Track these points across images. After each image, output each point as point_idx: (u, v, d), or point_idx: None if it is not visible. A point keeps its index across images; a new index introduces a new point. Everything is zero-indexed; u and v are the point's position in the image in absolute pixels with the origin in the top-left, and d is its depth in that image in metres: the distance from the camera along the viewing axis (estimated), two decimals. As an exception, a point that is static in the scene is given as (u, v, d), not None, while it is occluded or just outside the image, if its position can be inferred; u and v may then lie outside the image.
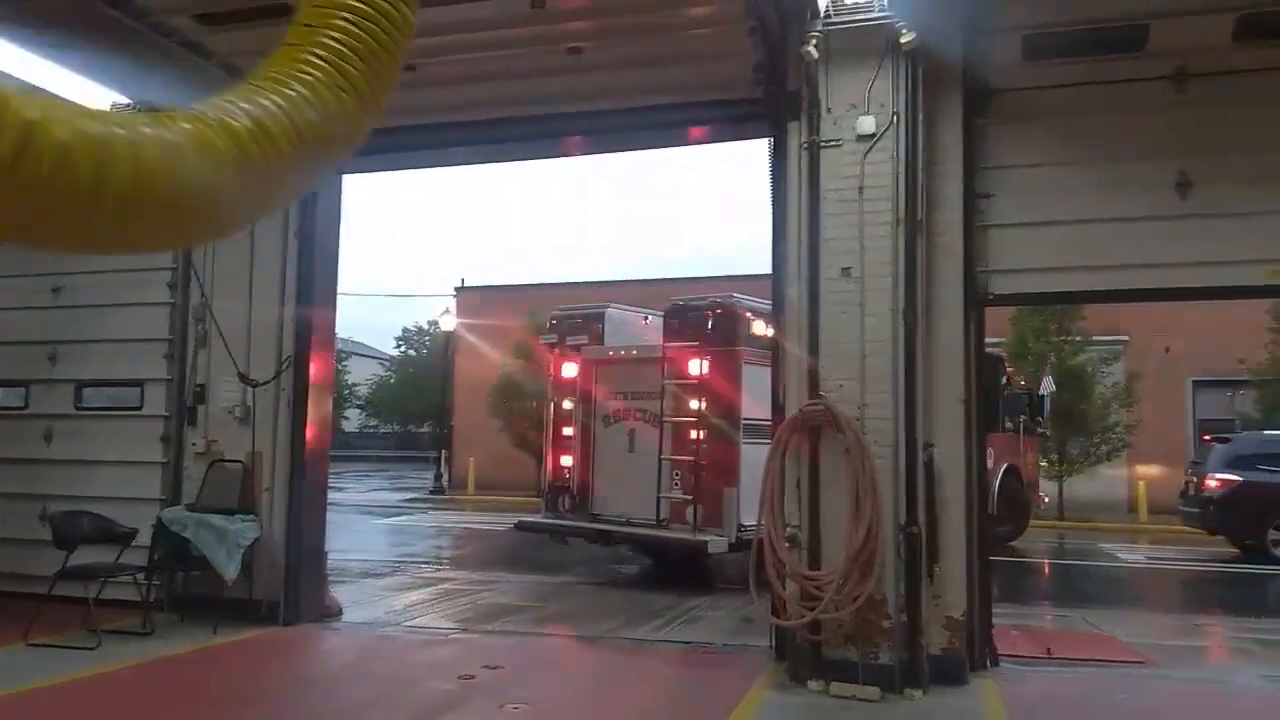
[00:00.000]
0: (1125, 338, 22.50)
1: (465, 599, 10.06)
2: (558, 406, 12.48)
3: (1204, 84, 6.90)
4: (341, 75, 2.92)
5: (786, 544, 6.69)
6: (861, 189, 6.80)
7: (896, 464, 6.60)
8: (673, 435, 11.20)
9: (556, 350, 12.70)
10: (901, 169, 6.73)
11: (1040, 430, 18.65)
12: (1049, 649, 7.69)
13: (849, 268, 6.80)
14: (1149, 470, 21.55)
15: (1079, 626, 9.26)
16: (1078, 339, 20.82)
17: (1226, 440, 16.53)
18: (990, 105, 7.24)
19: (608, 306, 12.80)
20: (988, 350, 18.42)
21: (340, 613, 8.80)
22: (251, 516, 8.23)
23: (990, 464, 15.61)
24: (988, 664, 7.06)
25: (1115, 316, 21.38)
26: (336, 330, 9.59)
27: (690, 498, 10.86)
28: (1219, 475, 15.37)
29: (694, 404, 11.04)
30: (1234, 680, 7.26)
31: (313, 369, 8.63)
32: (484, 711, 5.79)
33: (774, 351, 7.49)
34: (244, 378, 8.53)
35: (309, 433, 8.56)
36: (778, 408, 7.23)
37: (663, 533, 11.06)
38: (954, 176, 7.00)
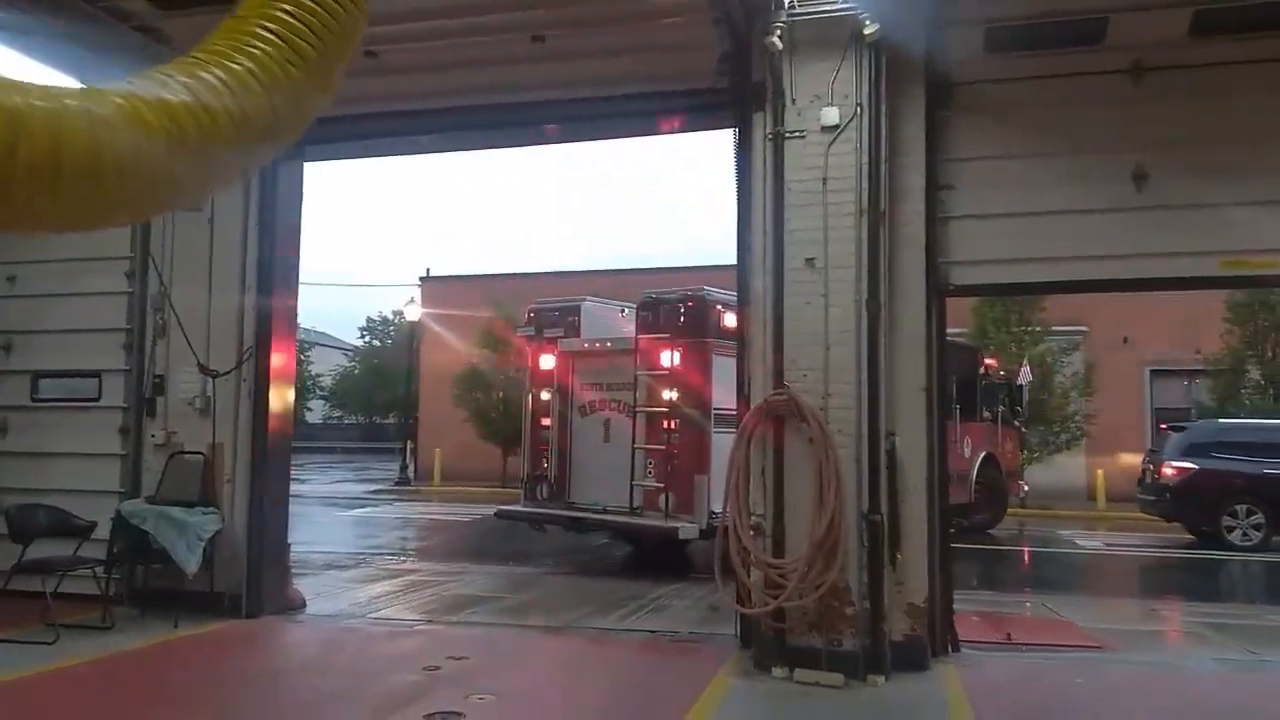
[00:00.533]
0: (1084, 328, 22.87)
1: (430, 590, 10.02)
2: (536, 397, 12.73)
3: (1160, 78, 7.01)
4: (293, 50, 2.84)
5: (751, 532, 6.74)
6: (825, 180, 6.83)
7: (859, 453, 6.66)
8: (646, 425, 11.48)
9: (534, 342, 12.91)
10: (865, 160, 6.78)
11: (1019, 420, 19.02)
12: (1009, 634, 7.82)
13: (813, 258, 6.84)
14: (1107, 459, 21.92)
15: (1039, 612, 9.42)
16: (1038, 329, 21.15)
17: (1183, 429, 16.86)
18: (952, 97, 7.31)
19: (584, 299, 13.03)
20: (965, 342, 18.86)
21: (304, 605, 8.73)
22: (212, 509, 8.14)
23: (968, 453, 16.35)
24: (949, 650, 7.16)
25: (1075, 307, 21.69)
26: (299, 320, 9.50)
27: (662, 485, 11.11)
28: (1175, 463, 15.68)
29: (666, 394, 11.25)
30: (1188, 664, 7.42)
31: (274, 359, 8.54)
32: (449, 702, 5.78)
33: (740, 342, 7.52)
34: (204, 368, 8.43)
35: (271, 424, 8.47)
36: (743, 398, 7.27)
37: (636, 520, 11.36)
38: (916, 168, 7.07)
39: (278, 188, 8.63)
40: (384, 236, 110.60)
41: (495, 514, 13.62)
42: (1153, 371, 23.76)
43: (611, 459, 11.65)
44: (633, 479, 11.36)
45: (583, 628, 8.26)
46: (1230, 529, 15.00)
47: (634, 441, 11.42)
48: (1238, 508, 15.02)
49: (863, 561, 6.60)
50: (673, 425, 11.19)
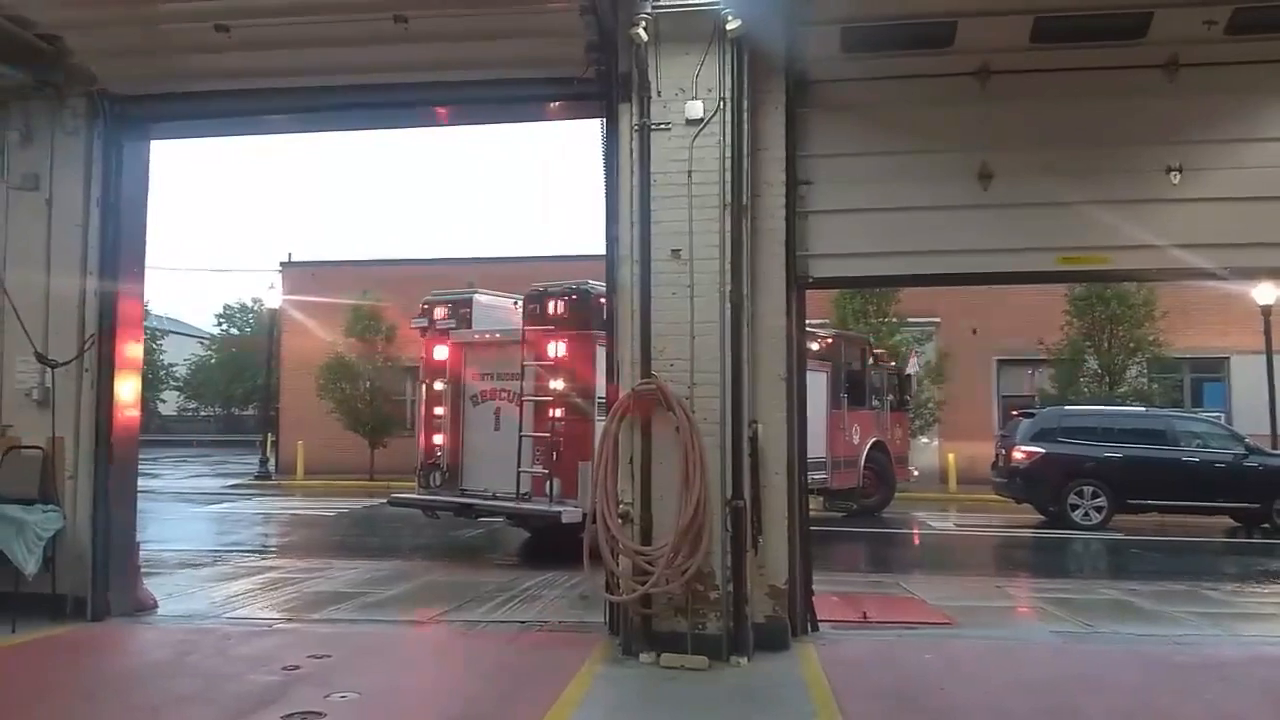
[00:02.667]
0: (937, 319, 23.98)
1: (291, 588, 9.73)
2: (429, 388, 13.03)
3: (1005, 81, 7.41)
4: None
5: (619, 521, 6.81)
6: (690, 173, 6.94)
7: (724, 441, 6.82)
8: (533, 413, 11.77)
9: (427, 334, 13.19)
10: (728, 154, 6.91)
11: (908, 407, 19.92)
12: (865, 613, 8.17)
13: (679, 250, 6.94)
14: (959, 443, 23.05)
15: (893, 591, 9.84)
16: (894, 320, 22.03)
17: (1031, 415, 17.81)
18: (811, 95, 7.54)
19: (475, 292, 13.31)
20: (854, 334, 19.60)
21: (155, 606, 8.36)
22: (53, 507, 7.69)
23: (857, 440, 17.26)
24: (808, 629, 7.43)
25: (928, 299, 22.75)
26: (149, 307, 9.04)
27: (548, 472, 11.44)
28: (1024, 448, 16.55)
29: (552, 384, 11.54)
30: (1028, 637, 7.90)
31: (120, 347, 8.12)
32: (309, 702, 5.63)
33: (609, 332, 7.56)
34: (41, 357, 7.92)
35: (116, 416, 8.06)
36: (612, 387, 7.33)
37: (523, 505, 11.70)
38: (777, 163, 7.25)
39: (122, 166, 8.22)
40: (245, 221, 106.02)
41: (389, 501, 13.93)
42: (1000, 361, 25.08)
43: (501, 447, 11.94)
44: (519, 465, 11.63)
45: (450, 621, 8.18)
46: (1075, 509, 15.91)
47: (521, 430, 11.70)
48: (1082, 489, 15.93)
49: (726, 546, 6.76)
50: (558, 414, 11.48)
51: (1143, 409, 18.61)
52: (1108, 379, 21.51)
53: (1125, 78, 7.36)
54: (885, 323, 21.65)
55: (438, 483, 12.63)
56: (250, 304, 48.86)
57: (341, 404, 24.78)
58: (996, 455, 17.96)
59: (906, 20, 7.30)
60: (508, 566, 11.45)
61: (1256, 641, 7.84)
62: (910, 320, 22.49)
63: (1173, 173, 7.32)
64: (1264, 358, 21.32)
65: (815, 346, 16.88)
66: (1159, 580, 10.75)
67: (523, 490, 11.63)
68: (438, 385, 12.91)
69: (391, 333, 25.11)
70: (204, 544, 13.92)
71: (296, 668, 6.39)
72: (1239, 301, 21.23)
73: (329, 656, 6.70)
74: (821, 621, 7.63)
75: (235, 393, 49.31)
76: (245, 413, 49.75)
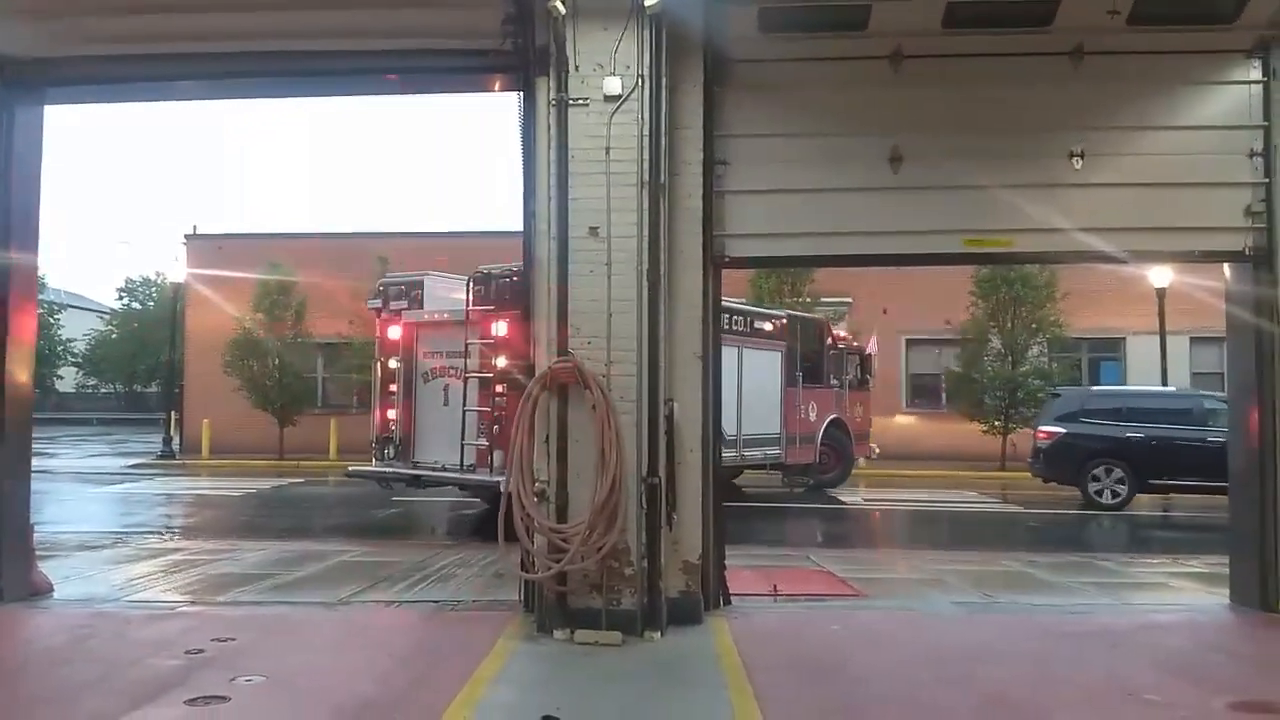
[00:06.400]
0: (849, 299, 24.46)
1: (196, 570, 9.46)
2: (384, 365, 13.74)
3: (917, 66, 7.56)
4: None
5: (535, 499, 6.80)
6: (608, 150, 6.90)
7: (640, 419, 6.84)
8: (476, 390, 12.29)
9: (382, 314, 13.90)
10: (646, 132, 6.89)
11: (868, 386, 20.38)
12: (776, 586, 8.33)
13: (596, 227, 6.91)
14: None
15: (804, 564, 10.05)
16: (809, 300, 22.38)
17: (1057, 395, 17.91)
18: (729, 74, 7.57)
19: (427, 274, 13.94)
20: (813, 316, 20.03)
21: (51, 590, 8.04)
22: (-64, 489, 7.32)
23: (814, 417, 17.95)
24: (721, 603, 7.55)
25: (842, 279, 23.13)
26: (44, 279, 8.65)
27: (489, 445, 11.93)
28: (1047, 427, 16.65)
29: (495, 362, 11.96)
30: (932, 607, 8.15)
31: (11, 321, 7.75)
32: (214, 686, 5.50)
33: (526, 309, 7.50)
34: (-76, 332, 7.51)
35: (7, 392, 7.69)
36: (529, 366, 7.28)
37: (468, 476, 12.36)
38: (695, 142, 7.27)
39: (14, 131, 7.82)
40: (149, 192, 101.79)
41: (346, 473, 14.86)
42: (908, 340, 25.74)
43: (449, 421, 12.60)
44: (463, 439, 12.21)
45: (362, 602, 8.06)
46: (1096, 489, 15.85)
47: (465, 405, 12.31)
48: (1103, 468, 15.86)
49: (642, 523, 6.81)
50: (500, 390, 11.89)
51: (1172, 389, 18.85)
52: (1010, 358, 22.23)
53: (1032, 64, 7.57)
54: (800, 302, 21.97)
55: (391, 455, 13.31)
56: (154, 278, 47.17)
57: (249, 381, 24.14)
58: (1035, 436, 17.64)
59: (822, 2, 7.38)
60: (422, 546, 11.33)
61: (1143, 609, 8.23)
62: (824, 300, 22.90)
63: (1075, 158, 7.57)
64: (1158, 338, 22.34)
65: (769, 327, 17.37)
66: (1056, 552, 11.20)
67: (467, 462, 12.21)
68: (392, 363, 13.54)
69: (301, 308, 24.52)
70: (104, 525, 13.47)
71: (200, 651, 6.22)
72: (1136, 284, 22.15)
73: (234, 640, 6.54)
74: (734, 595, 7.75)
75: (138, 369, 47.63)
76: (148, 390, 48.17)
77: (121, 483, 20.01)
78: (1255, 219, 7.56)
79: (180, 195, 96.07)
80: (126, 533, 12.61)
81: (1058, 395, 18.09)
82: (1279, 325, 7.43)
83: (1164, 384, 21.75)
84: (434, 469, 12.89)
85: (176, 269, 27.10)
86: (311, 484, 19.97)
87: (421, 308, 13.47)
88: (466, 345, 12.24)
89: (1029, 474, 17.56)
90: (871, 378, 20.64)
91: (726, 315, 16.22)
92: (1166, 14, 7.38)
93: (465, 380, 12.33)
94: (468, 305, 12.42)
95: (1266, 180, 7.52)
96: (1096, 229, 7.57)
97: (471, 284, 12.52)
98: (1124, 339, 25.37)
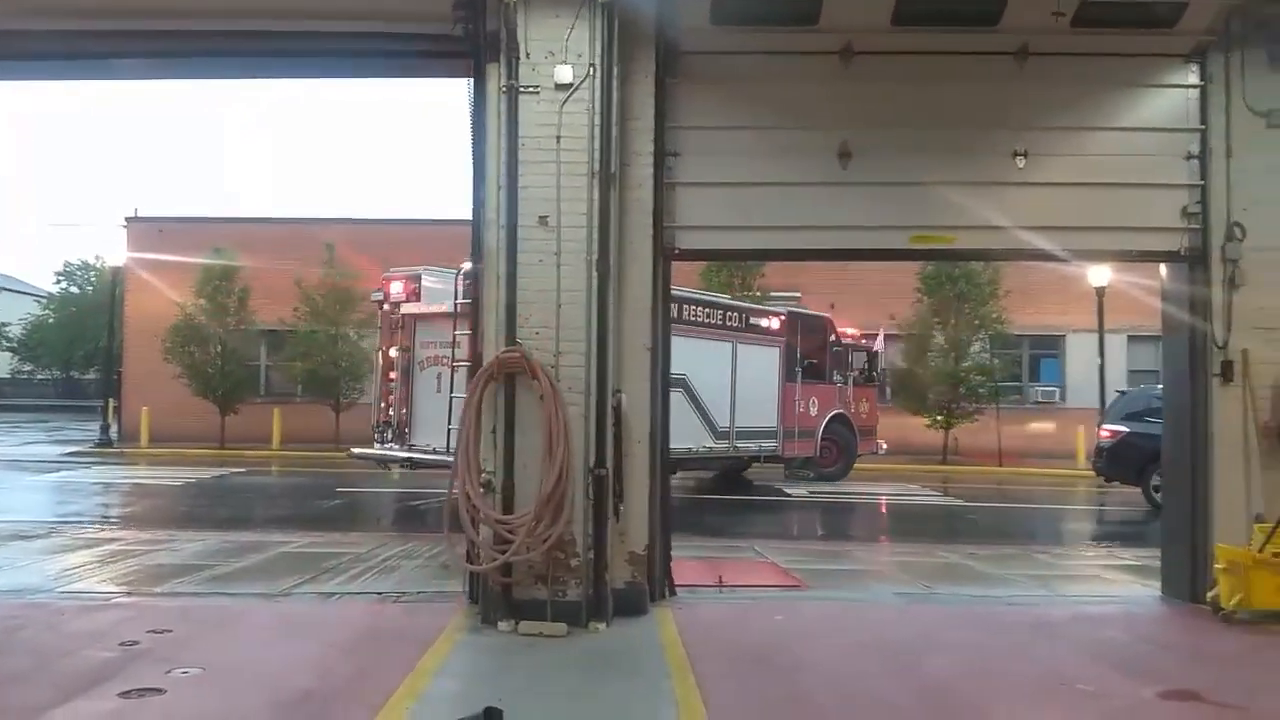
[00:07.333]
0: (798, 294, 24.61)
1: (133, 560, 9.24)
2: (385, 355, 14.66)
3: (866, 61, 7.62)
4: None
5: (481, 490, 6.75)
6: (559, 139, 6.86)
7: (588, 409, 6.82)
8: (464, 378, 12.30)
9: (384, 306, 14.78)
10: (597, 122, 6.86)
11: (875, 382, 20.67)
12: (720, 577, 8.38)
13: (546, 216, 6.87)
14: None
15: (748, 556, 10.12)
16: (759, 293, 22.51)
17: (1122, 394, 17.76)
18: (681, 65, 7.57)
19: (425, 269, 14.59)
20: (816, 312, 20.32)
21: (-21, 581, 7.82)
22: None
23: (815, 412, 18.37)
24: (667, 594, 7.57)
25: (791, 274, 23.33)
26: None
27: None
28: (1110, 426, 16.51)
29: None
30: (874, 598, 8.25)
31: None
32: (148, 679, 5.37)
33: (474, 299, 7.44)
34: None
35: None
36: (476, 355, 7.22)
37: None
38: (646, 133, 7.26)
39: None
40: (89, 174, 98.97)
41: (349, 454, 15.72)
42: (855, 334, 25.97)
43: (442, 407, 13.17)
44: (449, 423, 12.38)
45: (303, 594, 7.94)
46: (1156, 489, 14.76)
47: (452, 392, 12.61)
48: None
49: (588, 514, 6.80)
50: None
51: None
52: (954, 354, 22.59)
53: (979, 63, 7.67)
54: (750, 296, 22.09)
55: (390, 439, 14.22)
56: (93, 261, 45.93)
57: (190, 368, 23.69)
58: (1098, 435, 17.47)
59: (774, -4, 7.40)
60: (368, 537, 11.19)
61: (1078, 600, 8.42)
62: (774, 294, 23.04)
63: (1018, 157, 7.69)
64: (1096, 336, 22.85)
65: (766, 323, 17.69)
66: (996, 544, 11.42)
67: (453, 445, 12.34)
68: (392, 353, 14.46)
69: (245, 294, 24.07)
70: (38, 514, 13.10)
71: (136, 643, 6.08)
72: (1076, 283, 22.63)
73: (171, 631, 6.40)
74: (680, 586, 7.78)
75: (75, 355, 46.39)
76: (86, 377, 46.93)
77: (58, 471, 19.49)
78: (1191, 220, 7.75)
79: (121, 178, 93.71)
80: (62, 522, 12.29)
81: (1123, 394, 17.99)
82: (1212, 324, 7.63)
83: (1101, 382, 22.28)
84: (427, 452, 13.65)
85: (115, 253, 26.43)
86: (254, 474, 19.63)
87: (420, 300, 14.20)
88: (455, 336, 12.56)
89: (961, 466, 17.82)
90: (878, 373, 20.93)
91: (722, 311, 16.82)
92: (1109, 17, 7.52)
93: (453, 369, 12.65)
94: (456, 298, 12.86)
95: (1202, 182, 7.71)
96: (1038, 227, 7.70)
97: (460, 278, 12.76)
98: (1064, 336, 25.94)
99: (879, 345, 21.00)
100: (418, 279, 14.37)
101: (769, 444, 17.62)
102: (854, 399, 19.73)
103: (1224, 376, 7.58)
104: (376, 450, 14.49)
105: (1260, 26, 7.55)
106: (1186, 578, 7.79)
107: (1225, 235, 7.60)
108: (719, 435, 16.52)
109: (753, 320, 17.55)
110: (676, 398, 15.17)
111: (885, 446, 20.96)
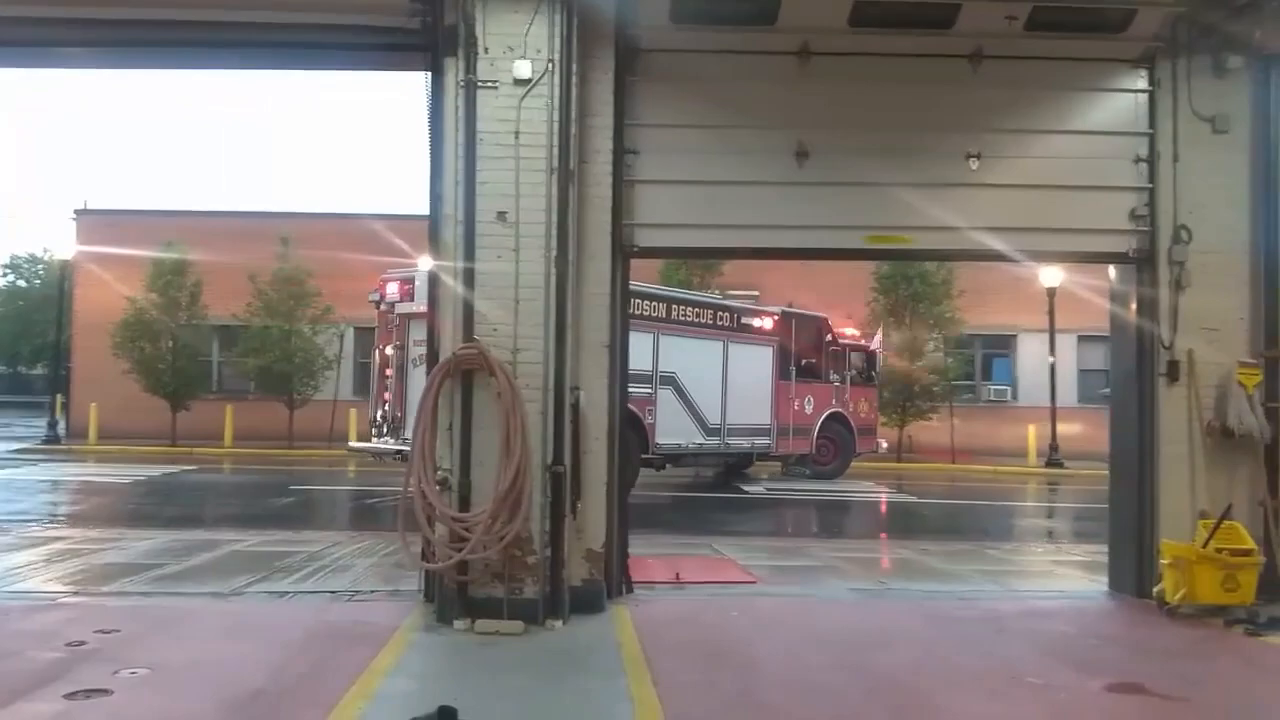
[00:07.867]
0: (756, 292, 24.71)
1: (80, 559, 9.06)
2: (381, 353, 15.17)
3: (824, 62, 7.69)
4: None
5: (437, 487, 6.70)
6: (518, 134, 6.83)
7: (546, 406, 6.80)
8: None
9: (380, 306, 15.23)
10: (556, 118, 6.84)
11: (874, 382, 20.77)
12: (678, 574, 8.41)
13: (505, 212, 6.84)
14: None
15: (705, 553, 10.15)
16: (717, 291, 22.56)
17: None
18: (640, 63, 7.59)
19: (417, 270, 14.49)
20: (813, 313, 20.41)
21: (-82, 582, 7.62)
22: None
23: (810, 410, 18.52)
24: (624, 591, 7.58)
25: (749, 272, 23.45)
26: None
27: None
28: None
29: None
30: (829, 594, 8.33)
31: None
32: (94, 679, 5.27)
33: (431, 294, 7.38)
34: None
35: None
36: (433, 352, 7.17)
37: None
38: (605, 130, 7.26)
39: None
40: (37, 164, 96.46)
41: (348, 448, 17.23)
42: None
43: None
44: None
45: (255, 593, 7.83)
46: None
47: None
48: None
49: (546, 512, 6.78)
50: None
51: None
52: (908, 354, 22.84)
53: (934, 66, 7.78)
54: (709, 294, 22.15)
55: (385, 433, 14.71)
56: (41, 254, 44.87)
57: (140, 364, 23.23)
58: None
59: (732, -5, 7.42)
60: (321, 535, 11.06)
61: (1028, 595, 8.57)
62: (732, 292, 23.09)
63: (971, 159, 7.80)
64: (1047, 335, 23.24)
65: (759, 322, 17.87)
66: (948, 540, 11.57)
67: None
68: (388, 350, 14.94)
69: (197, 288, 23.66)
70: (-19, 513, 12.77)
71: (82, 643, 5.97)
72: (1028, 284, 22.99)
73: (118, 631, 6.29)
74: (636, 583, 7.79)
75: (22, 350, 45.29)
76: (33, 372, 45.88)
77: (3, 468, 19.04)
78: (1139, 222, 7.91)
79: (71, 169, 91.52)
80: (7, 520, 11.99)
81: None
82: (1159, 325, 7.79)
83: (1052, 381, 22.65)
84: None
85: (63, 246, 25.85)
86: (205, 471, 19.33)
87: (413, 300, 14.30)
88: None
89: (916, 464, 18.09)
90: (876, 373, 21.09)
91: (713, 310, 16.93)
92: (1061, 21, 7.65)
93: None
94: None
95: (1150, 185, 7.87)
96: (990, 228, 7.81)
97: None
98: (1015, 336, 26.35)
99: (877, 346, 21.18)
100: (411, 280, 14.59)
101: (762, 441, 17.79)
102: (852, 398, 19.90)
103: (1170, 376, 7.75)
104: (371, 445, 15.13)
105: (1206, 33, 7.71)
106: (1133, 573, 7.96)
107: (1172, 238, 7.78)
108: (710, 432, 16.63)
109: (745, 320, 17.69)
110: (666, 395, 15.62)
111: (885, 445, 21.20)
